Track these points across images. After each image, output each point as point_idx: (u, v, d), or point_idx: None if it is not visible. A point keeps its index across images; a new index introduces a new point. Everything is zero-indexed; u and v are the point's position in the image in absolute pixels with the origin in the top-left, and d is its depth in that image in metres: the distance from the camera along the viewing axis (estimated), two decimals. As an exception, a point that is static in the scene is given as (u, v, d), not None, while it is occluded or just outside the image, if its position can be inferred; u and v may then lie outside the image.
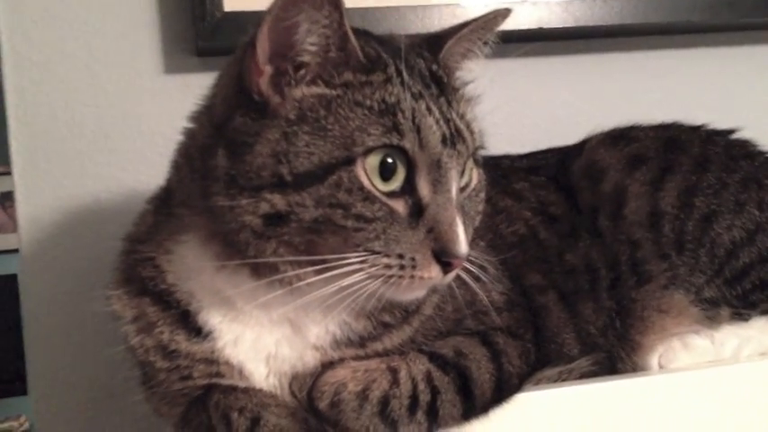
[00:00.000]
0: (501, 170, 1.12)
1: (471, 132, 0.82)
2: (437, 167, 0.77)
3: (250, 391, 0.83)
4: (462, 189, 0.82)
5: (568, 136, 1.18)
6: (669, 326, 1.03)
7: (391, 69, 0.78)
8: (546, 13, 1.36)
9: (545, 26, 1.36)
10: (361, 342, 0.85)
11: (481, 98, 0.88)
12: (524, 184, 1.12)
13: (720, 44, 1.50)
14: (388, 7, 1.29)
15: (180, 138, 0.88)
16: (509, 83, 1.34)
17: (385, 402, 0.80)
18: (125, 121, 1.27)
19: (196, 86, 0.89)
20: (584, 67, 1.45)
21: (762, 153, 1.15)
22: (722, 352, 1.01)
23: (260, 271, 0.79)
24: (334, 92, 0.76)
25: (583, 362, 0.99)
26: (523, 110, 1.38)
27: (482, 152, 0.87)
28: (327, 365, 0.84)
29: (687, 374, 0.98)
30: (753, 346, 1.02)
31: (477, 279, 0.85)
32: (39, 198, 1.24)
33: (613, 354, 1.02)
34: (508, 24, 0.89)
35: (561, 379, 0.96)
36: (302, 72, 0.77)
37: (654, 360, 1.01)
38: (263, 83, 0.77)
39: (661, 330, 1.03)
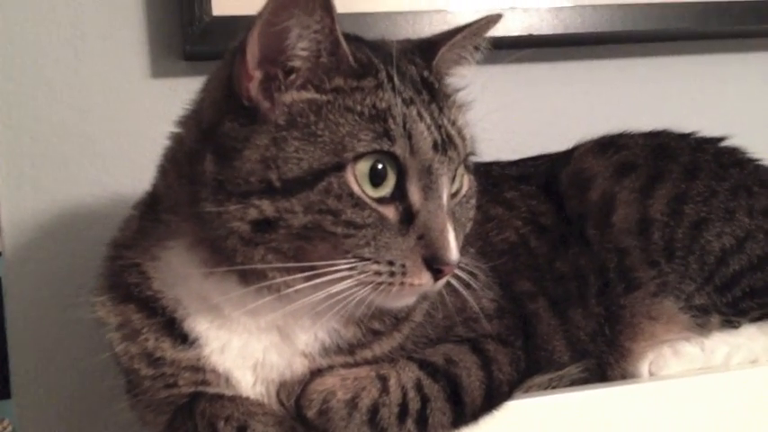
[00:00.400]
0: (492, 178, 1.11)
1: (463, 139, 0.82)
2: (428, 174, 0.76)
3: (237, 400, 0.82)
4: (453, 195, 0.82)
5: (559, 142, 1.18)
6: (659, 333, 1.03)
7: (382, 75, 0.78)
8: (536, 19, 1.36)
9: (535, 33, 1.36)
10: (351, 349, 0.84)
11: (472, 104, 0.88)
12: (515, 194, 1.11)
13: (710, 51, 1.50)
14: (379, 13, 1.28)
15: (167, 142, 0.87)
16: (500, 89, 1.34)
17: (374, 410, 0.79)
18: (111, 125, 1.26)
19: (184, 91, 0.88)
20: (574, 73, 1.45)
21: (751, 161, 1.15)
22: (712, 359, 1.01)
23: (248, 278, 0.78)
24: (324, 97, 0.76)
25: (573, 369, 0.99)
26: (514, 116, 1.38)
27: (473, 158, 0.87)
28: (316, 373, 0.83)
29: (677, 382, 0.98)
30: (743, 354, 1.02)
31: (467, 286, 0.85)
32: (23, 201, 1.23)
33: (603, 360, 1.02)
34: (499, 31, 0.89)
35: (551, 386, 0.96)
36: (292, 77, 0.76)
37: (644, 367, 1.01)
38: (253, 88, 0.76)
39: (651, 337, 1.03)
